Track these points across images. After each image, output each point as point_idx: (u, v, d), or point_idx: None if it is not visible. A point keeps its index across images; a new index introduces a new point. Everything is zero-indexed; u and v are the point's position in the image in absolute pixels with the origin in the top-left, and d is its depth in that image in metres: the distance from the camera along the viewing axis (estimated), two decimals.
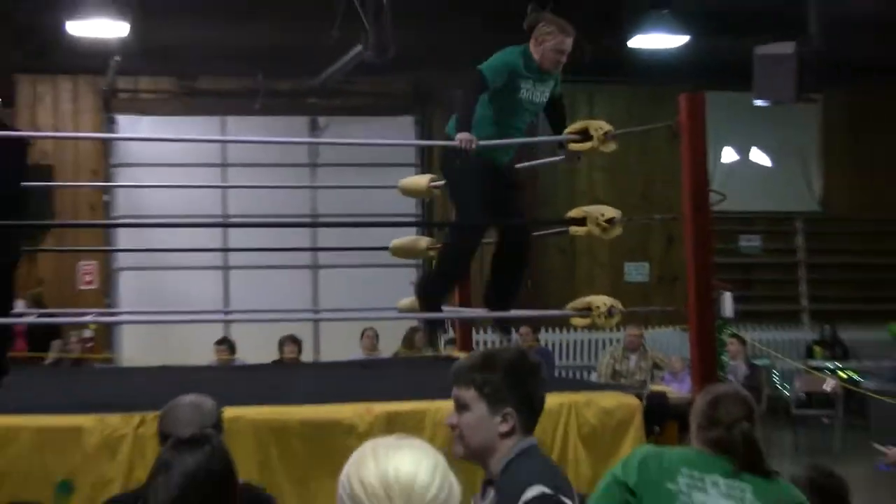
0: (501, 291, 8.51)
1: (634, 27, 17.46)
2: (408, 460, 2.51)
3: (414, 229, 12.75)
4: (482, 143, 7.68)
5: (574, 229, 7.45)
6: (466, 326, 11.13)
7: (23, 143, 7.53)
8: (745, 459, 4.62)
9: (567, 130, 8.00)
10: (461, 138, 7.54)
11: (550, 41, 8.00)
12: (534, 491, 3.73)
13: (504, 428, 3.89)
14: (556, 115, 8.49)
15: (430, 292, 8.54)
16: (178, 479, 3.67)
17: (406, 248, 10.17)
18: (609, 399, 6.79)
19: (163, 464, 3.74)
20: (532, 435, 3.98)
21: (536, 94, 8.15)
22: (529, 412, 3.97)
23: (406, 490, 2.43)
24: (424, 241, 10.37)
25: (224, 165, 18.82)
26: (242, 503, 3.81)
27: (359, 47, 15.58)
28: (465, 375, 3.97)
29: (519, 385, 3.96)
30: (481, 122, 7.96)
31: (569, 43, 8.03)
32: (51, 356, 16.00)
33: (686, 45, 17.83)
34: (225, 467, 3.77)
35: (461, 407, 3.95)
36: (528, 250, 8.73)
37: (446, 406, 6.02)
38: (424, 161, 18.61)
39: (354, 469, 2.51)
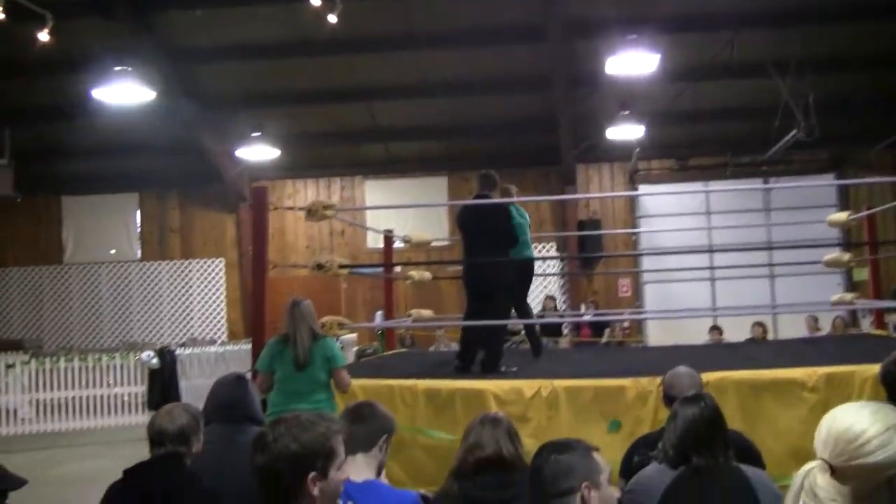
0: None
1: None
2: (850, 415, 2.13)
3: (837, 249, 11.86)
4: None
5: None
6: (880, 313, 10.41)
7: (507, 208, 7.79)
8: None
9: None
10: None
11: None
12: None
13: None
14: None
15: None
16: (681, 424, 3.68)
17: (834, 261, 9.72)
18: None
19: (673, 414, 3.78)
20: None
21: None
22: None
23: (840, 436, 2.09)
24: (846, 256, 9.91)
25: (707, 213, 18.35)
26: (730, 444, 3.70)
27: (794, 131, 15.00)
28: None
29: None
30: None
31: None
32: (603, 340, 16.28)
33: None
34: (714, 416, 3.70)
35: None
36: None
37: (870, 369, 5.67)
38: (841, 202, 17.45)
39: (821, 420, 2.20)
